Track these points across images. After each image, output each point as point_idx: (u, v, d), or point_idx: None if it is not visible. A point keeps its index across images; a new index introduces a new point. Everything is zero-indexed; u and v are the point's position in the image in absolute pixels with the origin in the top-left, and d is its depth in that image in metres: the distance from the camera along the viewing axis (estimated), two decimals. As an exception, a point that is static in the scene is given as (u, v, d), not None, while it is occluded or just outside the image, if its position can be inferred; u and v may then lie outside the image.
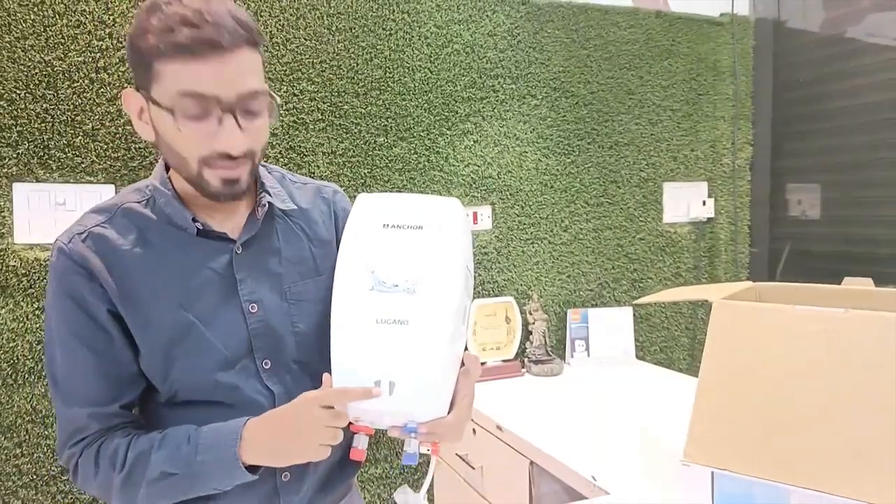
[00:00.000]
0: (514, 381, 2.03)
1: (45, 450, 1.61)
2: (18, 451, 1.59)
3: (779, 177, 2.47)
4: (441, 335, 0.81)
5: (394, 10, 1.97)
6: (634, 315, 2.30)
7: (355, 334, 0.82)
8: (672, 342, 2.42)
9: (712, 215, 2.45)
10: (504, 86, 2.13)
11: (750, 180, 2.51)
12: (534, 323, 2.12)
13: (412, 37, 2.00)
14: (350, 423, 0.83)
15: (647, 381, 2.01)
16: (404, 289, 0.81)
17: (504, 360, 2.08)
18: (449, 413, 0.84)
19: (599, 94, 2.27)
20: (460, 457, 1.77)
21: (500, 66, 2.12)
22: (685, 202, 2.42)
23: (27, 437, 1.60)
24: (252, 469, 0.83)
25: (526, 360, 2.11)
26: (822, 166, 2.30)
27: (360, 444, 0.84)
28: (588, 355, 2.20)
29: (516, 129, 2.16)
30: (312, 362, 0.91)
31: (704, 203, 2.43)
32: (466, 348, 1.67)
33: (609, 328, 2.24)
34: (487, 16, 2.10)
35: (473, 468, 1.73)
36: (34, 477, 1.61)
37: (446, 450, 1.87)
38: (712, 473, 0.84)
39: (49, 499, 1.62)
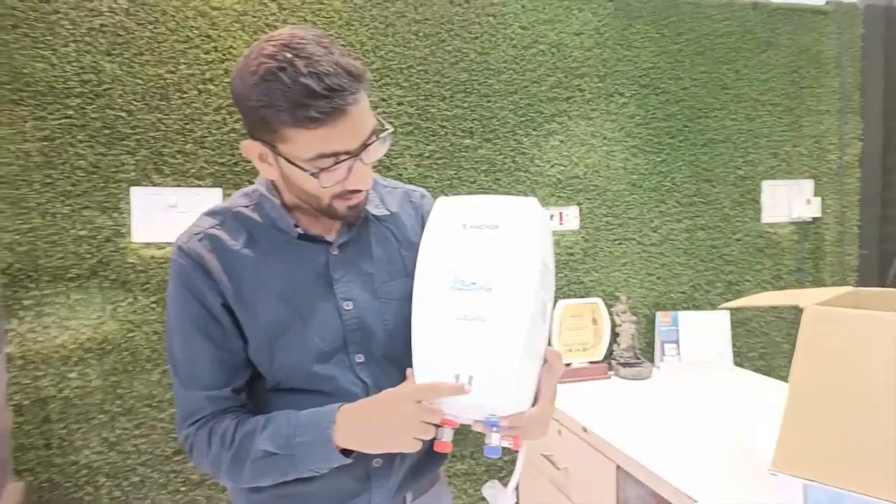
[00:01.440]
0: (601, 383, 2.00)
1: (161, 432, 1.76)
2: (137, 432, 1.74)
3: (891, 173, 2.30)
4: (517, 330, 0.83)
5: (479, 14, 1.99)
6: (731, 319, 2.21)
7: (435, 331, 0.85)
8: (773, 348, 2.31)
9: (818, 215, 2.31)
10: (591, 84, 2.11)
11: (859, 178, 2.35)
12: (621, 325, 2.09)
13: (497, 39, 2.02)
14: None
15: (742, 388, 1.93)
16: (481, 286, 0.84)
17: (591, 362, 2.05)
18: (531, 408, 0.86)
19: (692, 89, 2.20)
20: (546, 457, 1.77)
21: (587, 64, 2.10)
22: (786, 201, 2.30)
23: (145, 420, 1.75)
24: (345, 453, 0.88)
25: (613, 362, 2.08)
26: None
27: (445, 436, 0.86)
28: (679, 359, 2.14)
29: (603, 128, 2.13)
30: (399, 357, 0.95)
31: (809, 202, 2.30)
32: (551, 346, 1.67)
33: (702, 332, 2.17)
34: (574, 14, 2.08)
35: (559, 469, 1.73)
36: (150, 456, 1.75)
37: (532, 446, 1.87)
38: (804, 485, 0.81)
39: (163, 476, 1.76)
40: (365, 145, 0.85)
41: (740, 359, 2.25)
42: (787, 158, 2.30)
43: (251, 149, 0.88)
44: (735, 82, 2.24)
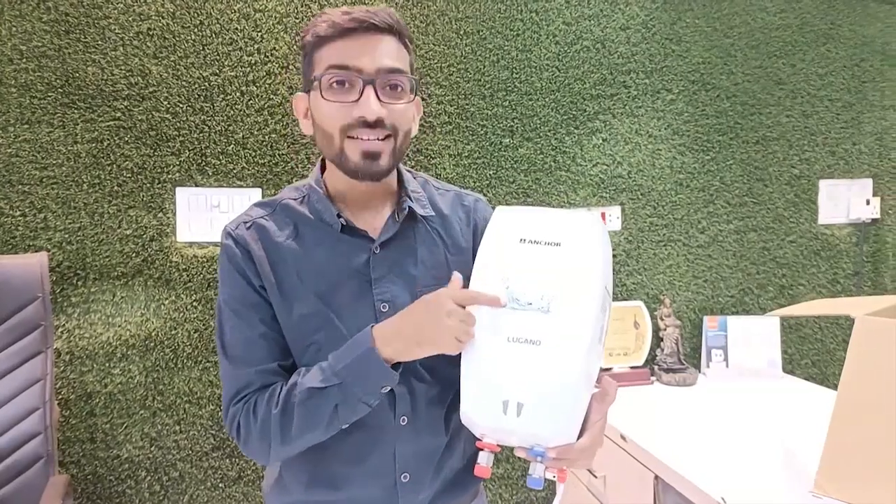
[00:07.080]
0: (643, 389, 1.95)
1: (200, 428, 1.79)
2: (178, 427, 1.78)
3: (962, 172, 2.16)
4: (574, 358, 0.76)
5: (521, 10, 1.96)
6: (782, 325, 2.11)
7: (486, 350, 0.80)
8: (826, 356, 2.20)
9: (878, 216, 2.19)
10: (636, 81, 2.05)
11: (926, 176, 2.22)
12: (665, 329, 2.02)
13: (540, 36, 1.98)
14: (476, 439, 0.82)
15: (793, 397, 1.84)
16: (538, 307, 0.78)
17: (632, 367, 2.00)
18: (579, 438, 0.80)
19: (744, 85, 2.11)
20: (583, 464, 1.73)
21: (633, 60, 2.04)
22: (845, 201, 2.19)
23: (185, 416, 1.78)
24: (393, 367, 0.84)
25: (656, 367, 2.02)
26: None
27: (485, 461, 0.81)
28: (727, 366, 2.06)
29: (649, 126, 2.06)
30: (439, 367, 0.92)
31: (868, 202, 2.18)
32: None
33: (751, 338, 2.08)
34: (620, 9, 2.02)
35: (596, 477, 1.68)
36: (189, 452, 1.79)
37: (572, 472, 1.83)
38: (853, 510, 0.75)
39: (202, 472, 1.79)
40: (381, 74, 0.85)
41: (791, 366, 2.15)
42: (846, 156, 2.19)
43: (299, 104, 0.93)
44: (791, 77, 2.14)
